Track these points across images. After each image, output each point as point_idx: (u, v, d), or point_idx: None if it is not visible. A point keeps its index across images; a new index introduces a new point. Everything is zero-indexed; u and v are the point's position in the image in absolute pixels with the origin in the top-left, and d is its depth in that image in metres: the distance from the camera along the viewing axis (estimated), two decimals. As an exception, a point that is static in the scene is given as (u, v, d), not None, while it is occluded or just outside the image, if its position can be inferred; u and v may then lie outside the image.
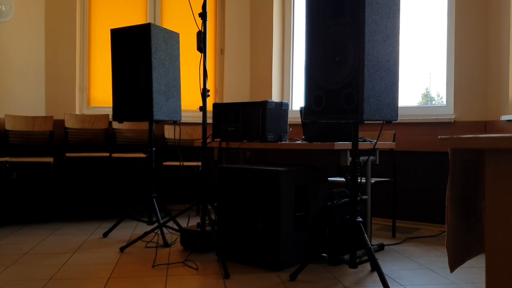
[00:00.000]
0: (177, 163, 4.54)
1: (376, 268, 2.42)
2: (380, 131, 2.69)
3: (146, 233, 3.29)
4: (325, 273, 2.78)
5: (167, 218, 3.49)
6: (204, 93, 3.14)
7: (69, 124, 4.73)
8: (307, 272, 2.79)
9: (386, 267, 2.95)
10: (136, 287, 2.52)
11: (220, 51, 5.40)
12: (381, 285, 2.45)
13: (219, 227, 3.08)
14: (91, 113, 5.02)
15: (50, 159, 4.25)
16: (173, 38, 3.67)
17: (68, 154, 4.41)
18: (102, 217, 4.57)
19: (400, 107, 4.38)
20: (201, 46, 3.15)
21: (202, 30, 3.16)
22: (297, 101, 5.30)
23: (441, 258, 3.18)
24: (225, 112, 3.50)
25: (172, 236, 3.70)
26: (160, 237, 3.52)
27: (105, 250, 3.31)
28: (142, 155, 4.56)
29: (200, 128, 5.03)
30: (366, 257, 2.78)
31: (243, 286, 2.54)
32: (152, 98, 3.44)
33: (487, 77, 3.90)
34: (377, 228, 4.23)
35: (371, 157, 3.25)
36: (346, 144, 2.93)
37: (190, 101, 5.24)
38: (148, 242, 3.47)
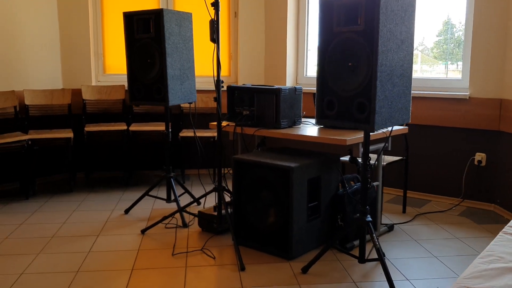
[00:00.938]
0: (193, 134, 4.63)
1: (384, 269, 2.55)
2: (391, 132, 2.72)
3: (165, 217, 3.45)
4: (336, 264, 2.93)
5: (191, 201, 3.63)
6: (218, 85, 3.17)
7: (86, 95, 4.81)
8: (318, 262, 2.94)
9: (393, 254, 3.09)
10: (158, 280, 2.70)
11: (234, 14, 5.32)
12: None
13: (235, 215, 3.22)
14: (107, 80, 5.08)
15: (70, 134, 4.37)
16: (186, 19, 3.64)
17: (87, 128, 4.52)
18: (123, 184, 4.75)
19: (415, 78, 4.37)
20: (214, 37, 3.14)
21: (215, 19, 3.14)
22: (312, 65, 5.26)
23: (448, 242, 3.30)
24: (239, 95, 3.52)
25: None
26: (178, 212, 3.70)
27: (127, 231, 3.49)
28: (159, 127, 4.66)
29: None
30: (374, 250, 2.90)
31: (257, 280, 2.70)
32: (167, 85, 3.47)
33: (504, 53, 3.82)
34: (389, 200, 4.35)
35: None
36: (358, 138, 2.97)
37: (202, 66, 5.22)
38: (168, 223, 3.64)
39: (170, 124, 3.84)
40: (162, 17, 3.42)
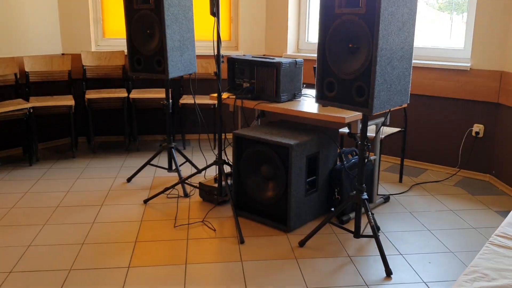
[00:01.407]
0: (193, 101, 4.64)
1: (378, 246, 2.65)
2: (389, 112, 2.75)
3: (166, 188, 3.54)
4: (332, 237, 3.03)
5: (193, 173, 3.69)
6: (218, 60, 3.17)
7: (86, 62, 4.79)
8: (315, 235, 3.03)
9: (388, 227, 3.18)
10: (160, 253, 2.80)
11: (235, -23, 5.21)
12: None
13: (235, 187, 3.30)
14: (107, 45, 5.04)
15: (71, 102, 4.39)
16: (185, -12, 3.58)
17: (87, 96, 4.53)
18: (125, 150, 4.81)
19: (416, 47, 4.33)
20: (215, 11, 3.10)
21: (215, -8, 3.10)
22: (313, 29, 5.20)
23: (442, 214, 3.40)
24: (240, 67, 3.52)
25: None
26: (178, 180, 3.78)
27: (130, 201, 3.58)
28: (159, 95, 4.67)
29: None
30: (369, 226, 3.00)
31: (256, 253, 2.81)
32: (167, 57, 3.46)
33: (508, 25, 3.79)
34: (386, 168, 4.43)
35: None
36: (357, 115, 3.01)
37: (202, 29, 5.16)
38: (169, 193, 3.72)
39: (170, 92, 3.85)
40: (161, -12, 3.37)
